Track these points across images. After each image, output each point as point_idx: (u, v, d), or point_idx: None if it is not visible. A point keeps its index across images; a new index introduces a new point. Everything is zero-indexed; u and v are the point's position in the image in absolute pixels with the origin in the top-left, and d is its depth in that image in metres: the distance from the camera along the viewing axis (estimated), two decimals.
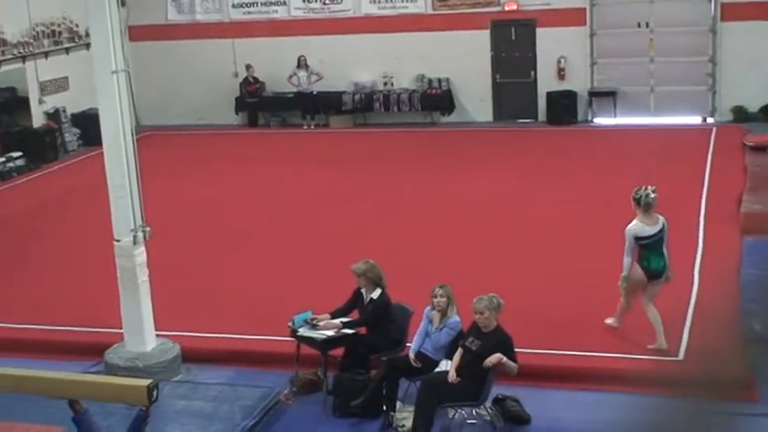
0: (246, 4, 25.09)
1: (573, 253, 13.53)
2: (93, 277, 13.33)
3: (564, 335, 10.88)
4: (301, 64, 24.31)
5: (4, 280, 14.17)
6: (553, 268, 13.08)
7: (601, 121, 23.02)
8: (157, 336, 11.00)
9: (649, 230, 10.24)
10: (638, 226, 10.25)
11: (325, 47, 24.32)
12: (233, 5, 25.19)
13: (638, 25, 22.56)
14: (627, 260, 10.25)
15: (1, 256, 15.35)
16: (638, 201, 10.29)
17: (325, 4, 24.60)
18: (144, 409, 6.74)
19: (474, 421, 9.34)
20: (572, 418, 9.39)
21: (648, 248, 10.24)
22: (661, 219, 10.35)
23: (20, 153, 21.95)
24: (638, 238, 10.21)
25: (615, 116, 22.84)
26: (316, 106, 24.52)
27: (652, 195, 10.23)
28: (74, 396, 6.89)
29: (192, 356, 11.07)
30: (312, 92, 24.42)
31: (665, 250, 10.36)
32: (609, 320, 10.89)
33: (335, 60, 24.24)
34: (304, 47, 24.31)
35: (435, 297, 9.58)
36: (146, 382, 6.75)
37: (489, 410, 9.33)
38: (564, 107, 22.99)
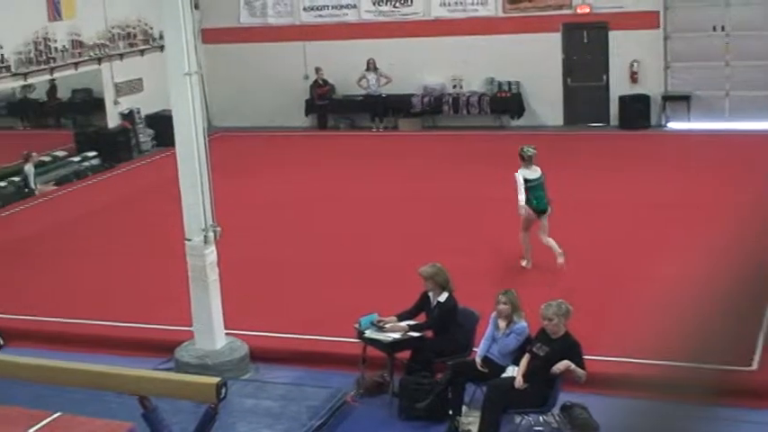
0: (318, 8, 25.23)
1: (645, 258, 13.37)
2: (164, 275, 13.49)
3: (635, 343, 10.74)
4: (370, 67, 24.37)
5: (77, 277, 14.41)
6: (624, 274, 12.93)
7: (674, 125, 22.71)
8: (226, 334, 11.10)
9: (532, 175, 13.03)
10: (524, 171, 13.02)
11: (394, 50, 24.35)
12: (304, 9, 25.35)
13: (714, 28, 22.22)
14: (521, 197, 12.94)
15: (75, 253, 15.63)
16: (522, 155, 13.14)
17: (395, 7, 24.64)
18: (212, 406, 6.80)
19: (541, 428, 9.27)
20: None
21: (532, 190, 12.98)
22: (539, 169, 13.17)
23: (95, 153, 22.36)
24: (525, 182, 12.91)
25: (689, 121, 22.52)
26: (385, 109, 24.58)
27: (532, 151, 13.14)
28: (144, 393, 6.98)
29: (259, 356, 11.16)
30: (381, 94, 24.47)
31: (544, 193, 13.14)
32: (523, 263, 13.36)
33: (405, 63, 24.25)
34: (374, 50, 24.37)
35: (498, 304, 9.54)
36: (215, 380, 6.82)
37: (556, 418, 9.26)
38: (637, 111, 22.73)
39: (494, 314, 9.63)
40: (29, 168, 20.23)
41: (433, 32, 24.21)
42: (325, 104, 25.12)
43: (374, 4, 24.79)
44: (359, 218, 16.57)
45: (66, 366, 7.45)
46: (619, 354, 10.43)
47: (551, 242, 13.12)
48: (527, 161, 13.11)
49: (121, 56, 23.49)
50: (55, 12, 21.47)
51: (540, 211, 13.12)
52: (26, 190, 20.11)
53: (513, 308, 9.47)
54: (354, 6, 24.96)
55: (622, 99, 22.96)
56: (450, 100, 24.04)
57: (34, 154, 20.59)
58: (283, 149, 23.09)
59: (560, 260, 13.01)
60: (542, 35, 23.37)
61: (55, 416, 8.91)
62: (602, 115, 23.44)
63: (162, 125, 21.34)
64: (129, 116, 23.61)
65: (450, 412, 9.46)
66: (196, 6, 22.39)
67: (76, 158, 22.14)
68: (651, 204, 16.25)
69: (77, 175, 21.60)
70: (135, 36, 23.87)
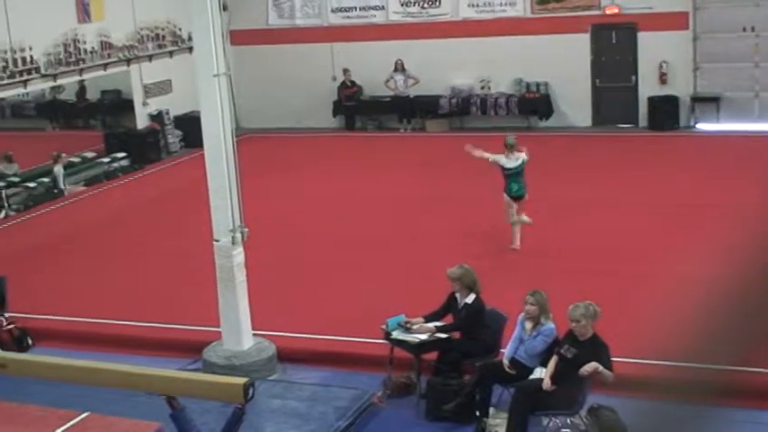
0: (345, 9, 25.24)
1: (675, 260, 13.28)
2: (192, 276, 13.54)
3: (658, 344, 10.67)
4: (398, 68, 24.38)
5: (106, 277, 14.49)
6: (653, 274, 12.84)
7: (704, 126, 22.57)
8: (254, 335, 11.13)
9: (511, 164, 14.04)
10: (503, 159, 14.07)
11: (422, 51, 24.33)
12: (332, 10, 25.36)
13: (743, 29, 22.05)
14: (486, 154, 14.35)
15: (104, 254, 15.72)
16: (505, 144, 14.20)
17: (423, 8, 24.63)
18: (240, 407, 6.82)
19: (568, 430, 9.24)
20: None
21: (510, 178, 14.05)
22: (522, 156, 14.05)
23: (124, 154, 22.49)
24: (502, 168, 14.05)
25: (718, 122, 22.37)
26: (412, 110, 24.56)
27: (512, 140, 14.24)
28: (172, 393, 7.01)
29: (286, 356, 11.18)
30: (409, 96, 24.47)
31: (522, 180, 14.09)
32: (513, 245, 14.18)
33: (433, 64, 24.22)
34: (401, 51, 24.36)
35: (526, 304, 9.51)
36: (242, 380, 6.85)
37: (584, 420, 9.22)
38: (666, 112, 22.61)
39: (521, 315, 9.61)
40: (58, 169, 20.37)
41: (461, 33, 24.16)
42: (353, 106, 25.15)
43: (402, 5, 24.79)
44: (386, 219, 16.58)
45: (94, 366, 7.50)
46: (647, 356, 10.40)
47: (517, 229, 14.27)
48: (508, 149, 14.15)
49: (150, 57, 23.60)
50: (84, 14, 21.61)
51: (517, 198, 14.15)
52: (55, 191, 20.24)
53: (540, 309, 9.43)
54: (382, 8, 24.95)
55: (651, 100, 22.84)
56: (478, 101, 23.99)
57: (64, 155, 20.74)
58: (311, 150, 23.12)
59: (514, 245, 14.22)
60: (571, 36, 23.28)
61: (84, 415, 8.97)
62: (630, 116, 23.34)
63: (190, 126, 21.46)
64: (157, 117, 23.72)
65: (478, 414, 9.44)
66: (224, 8, 22.50)
67: (106, 159, 22.29)
68: (680, 205, 16.17)
69: (106, 176, 21.73)
70: (164, 38, 23.99)
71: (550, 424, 9.21)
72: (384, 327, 10.32)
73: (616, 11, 22.97)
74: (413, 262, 14.10)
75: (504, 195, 14.13)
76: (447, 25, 24.36)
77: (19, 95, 21.34)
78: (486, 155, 14.28)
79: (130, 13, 22.80)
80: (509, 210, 14.26)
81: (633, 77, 23.25)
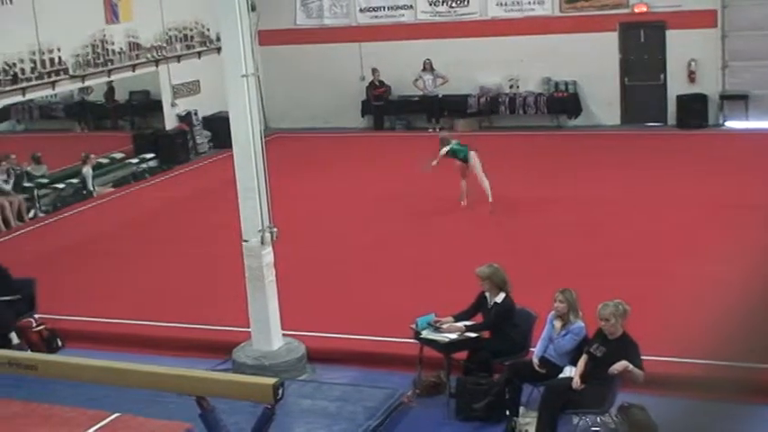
0: (374, 9, 25.24)
1: (701, 258, 13.20)
2: (221, 276, 13.58)
3: (693, 342, 10.59)
4: (427, 67, 24.35)
5: (135, 278, 14.55)
6: (681, 273, 12.78)
7: (732, 124, 22.41)
8: (283, 335, 11.14)
9: (447, 148, 16.70)
10: (444, 149, 16.67)
11: (450, 50, 24.29)
12: (360, 10, 25.37)
13: None
14: (440, 155, 16.68)
15: (132, 254, 15.78)
16: (441, 141, 16.99)
17: (451, 7, 24.59)
18: (270, 407, 6.83)
19: (598, 429, 9.20)
20: None
21: (455, 152, 16.75)
22: (452, 141, 17.02)
23: (152, 154, 22.57)
24: (448, 153, 16.68)
25: (747, 120, 22.21)
26: (441, 109, 24.54)
27: (443, 134, 18.05)
28: (202, 393, 7.03)
29: (316, 356, 11.18)
30: (437, 95, 24.45)
31: (463, 149, 16.76)
32: (463, 203, 16.82)
33: (461, 63, 24.18)
34: (430, 50, 24.34)
35: (555, 302, 9.47)
36: (272, 380, 6.86)
37: (614, 418, 9.17)
38: (694, 111, 22.47)
39: (551, 314, 9.57)
40: (87, 170, 20.46)
41: (490, 32, 24.11)
42: (382, 105, 25.14)
43: (430, 4, 24.76)
44: (415, 218, 16.55)
45: (124, 367, 7.53)
46: (678, 354, 10.32)
47: (464, 186, 16.90)
48: (442, 142, 16.92)
49: (178, 58, 23.65)
50: (112, 14, 21.70)
51: (463, 160, 16.70)
52: (84, 192, 20.34)
53: (569, 307, 9.39)
54: (411, 7, 24.94)
55: (680, 98, 22.71)
56: (507, 100, 23.95)
57: (92, 156, 20.82)
58: (339, 150, 23.13)
59: (463, 203, 16.82)
60: (599, 34, 23.19)
61: (114, 416, 9.02)
62: (659, 115, 23.21)
63: (219, 127, 21.53)
64: (186, 118, 23.78)
65: (508, 413, 9.42)
66: (252, 8, 22.53)
67: (134, 160, 22.38)
68: (709, 204, 16.05)
69: (135, 177, 21.82)
70: (192, 38, 24.05)
71: (580, 423, 9.17)
72: (414, 326, 10.30)
73: (644, 9, 22.85)
74: (442, 261, 14.08)
75: (457, 162, 16.93)
76: (475, 24, 24.31)
77: (47, 97, 21.49)
78: (440, 154, 16.66)
79: (158, 13, 22.87)
80: (461, 173, 16.88)
81: (662, 76, 23.12)
